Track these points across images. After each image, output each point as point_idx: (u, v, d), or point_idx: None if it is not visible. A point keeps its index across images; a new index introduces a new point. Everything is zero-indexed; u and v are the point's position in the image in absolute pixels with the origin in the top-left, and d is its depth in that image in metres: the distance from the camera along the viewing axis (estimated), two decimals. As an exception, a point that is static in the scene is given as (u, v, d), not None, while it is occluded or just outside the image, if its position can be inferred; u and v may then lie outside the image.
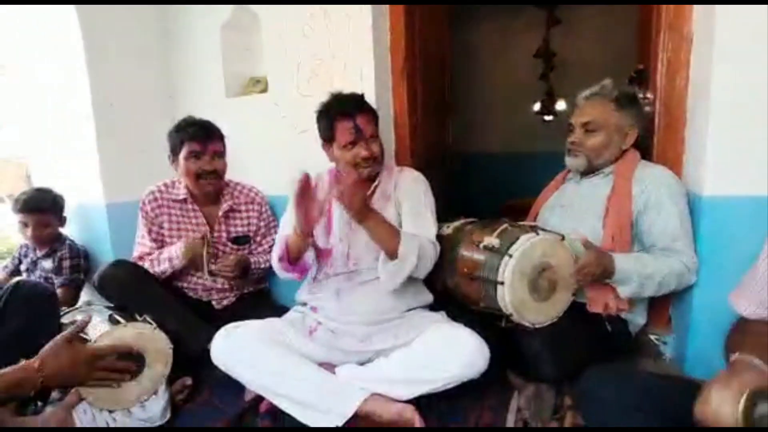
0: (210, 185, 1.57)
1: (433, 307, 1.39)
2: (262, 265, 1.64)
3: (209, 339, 1.25)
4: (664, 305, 1.38)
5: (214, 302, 1.63)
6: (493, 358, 1.14)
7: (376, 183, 1.38)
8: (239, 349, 1.19)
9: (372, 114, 1.35)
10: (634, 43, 1.94)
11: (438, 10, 2.10)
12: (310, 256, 1.36)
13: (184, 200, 1.61)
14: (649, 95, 1.44)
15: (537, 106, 3.73)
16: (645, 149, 1.38)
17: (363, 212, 1.19)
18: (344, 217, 1.33)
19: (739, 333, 0.80)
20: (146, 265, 1.54)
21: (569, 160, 1.37)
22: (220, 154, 1.58)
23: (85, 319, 0.99)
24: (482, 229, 1.26)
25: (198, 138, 1.51)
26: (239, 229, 1.67)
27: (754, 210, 1.14)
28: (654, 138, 1.40)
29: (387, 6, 1.67)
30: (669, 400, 0.78)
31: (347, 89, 1.38)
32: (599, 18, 3.32)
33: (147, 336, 1.12)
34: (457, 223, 1.41)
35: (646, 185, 1.22)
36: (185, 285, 1.61)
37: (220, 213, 1.62)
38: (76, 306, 1.63)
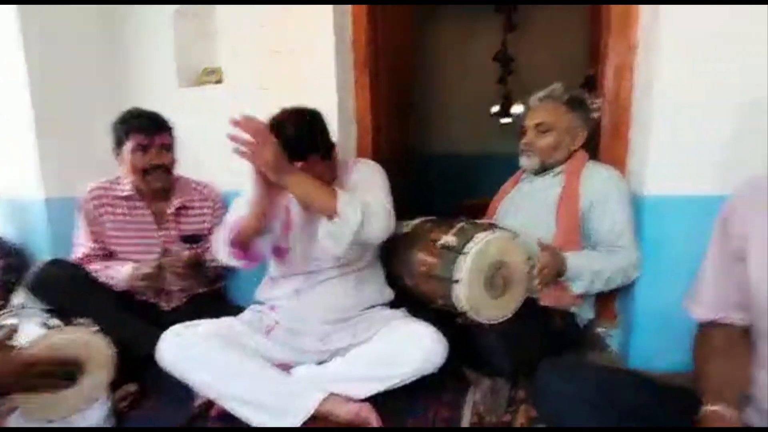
0: (158, 181, 1.47)
1: (394, 305, 1.39)
2: (216, 264, 1.56)
3: (156, 343, 1.18)
4: (610, 300, 1.45)
5: (162, 304, 1.53)
6: (450, 354, 1.16)
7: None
8: (189, 350, 1.13)
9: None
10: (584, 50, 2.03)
11: (401, 8, 2.10)
12: (264, 244, 1.26)
13: (130, 197, 1.50)
14: (598, 99, 1.50)
15: (495, 109, 3.82)
16: (593, 150, 1.44)
17: (279, 166, 1.03)
18: (304, 214, 1.29)
19: (702, 346, 0.81)
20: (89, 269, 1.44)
21: (523, 160, 1.43)
22: (168, 147, 1.49)
23: (12, 326, 0.91)
24: (440, 227, 1.27)
25: (144, 130, 1.42)
26: (191, 227, 1.58)
27: (693, 209, 1.21)
28: (601, 139, 1.46)
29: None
30: (616, 392, 0.81)
31: (307, 84, 1.34)
32: (555, 24, 3.45)
33: (86, 341, 1.05)
34: (415, 222, 1.42)
35: (593, 184, 1.28)
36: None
37: (170, 210, 1.53)
38: (8, 309, 1.50)
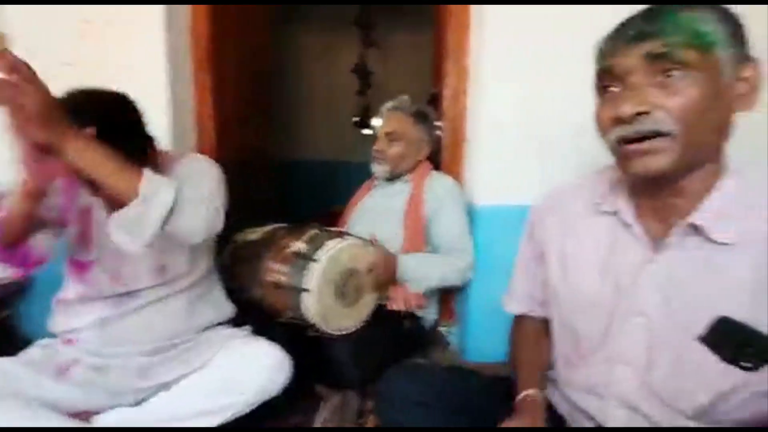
0: None
1: (237, 322, 1.23)
2: None
3: None
4: (450, 300, 1.58)
5: None
6: (302, 371, 1.08)
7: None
8: None
9: None
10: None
11: (254, 12, 1.96)
12: (45, 243, 0.95)
13: None
14: (439, 122, 1.65)
15: (355, 120, 3.94)
16: (436, 163, 1.56)
17: (51, 119, 0.71)
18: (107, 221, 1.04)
19: (516, 336, 0.89)
20: None
21: (375, 167, 1.47)
22: None
23: None
24: (291, 234, 1.19)
25: None
26: None
27: (515, 217, 1.39)
28: (442, 154, 1.60)
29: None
30: (448, 390, 0.84)
31: (128, 67, 1.10)
32: (408, 44, 3.75)
33: None
34: (266, 229, 1.31)
35: (436, 193, 1.39)
36: None
37: None
38: None
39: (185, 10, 1.46)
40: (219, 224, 0.99)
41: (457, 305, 1.60)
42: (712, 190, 0.59)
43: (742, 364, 0.55)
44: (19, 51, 1.36)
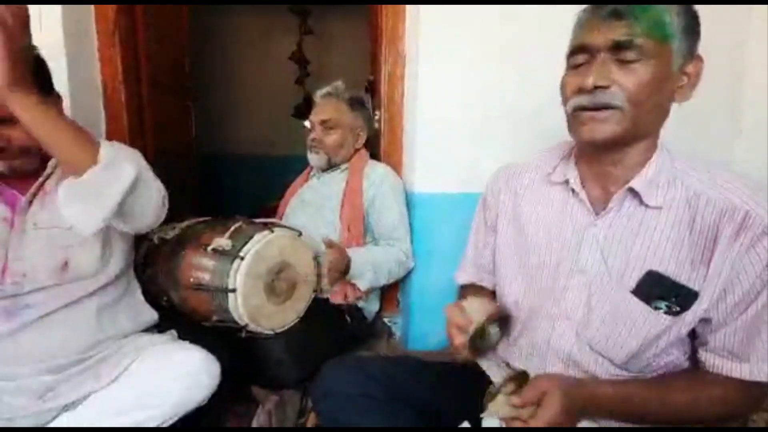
0: None
1: (161, 328, 1.11)
2: None
3: None
4: (393, 290, 1.56)
5: None
6: (235, 375, 1.00)
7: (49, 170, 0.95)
8: None
9: None
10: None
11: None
12: None
13: None
14: (378, 111, 1.61)
15: (293, 110, 3.79)
16: (373, 151, 1.52)
17: (25, 70, 0.68)
18: (2, 212, 0.89)
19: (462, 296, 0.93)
20: None
21: (311, 157, 1.41)
22: None
23: None
24: (212, 229, 1.09)
25: None
26: None
27: (450, 204, 1.39)
28: (380, 141, 1.56)
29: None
30: (390, 379, 0.82)
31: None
32: (345, 31, 3.67)
33: None
34: (185, 224, 1.19)
35: (373, 182, 1.35)
36: None
37: None
38: None
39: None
40: (164, 214, 0.92)
41: (400, 294, 1.59)
42: (646, 162, 0.67)
43: (667, 310, 0.64)
44: None
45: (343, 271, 1.20)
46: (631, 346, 0.66)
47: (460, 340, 0.69)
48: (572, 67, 0.67)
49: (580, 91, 0.64)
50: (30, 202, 0.91)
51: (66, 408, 0.90)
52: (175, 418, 0.92)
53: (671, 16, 0.61)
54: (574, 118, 0.66)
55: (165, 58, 1.75)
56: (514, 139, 1.37)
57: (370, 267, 1.25)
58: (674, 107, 0.67)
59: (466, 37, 1.33)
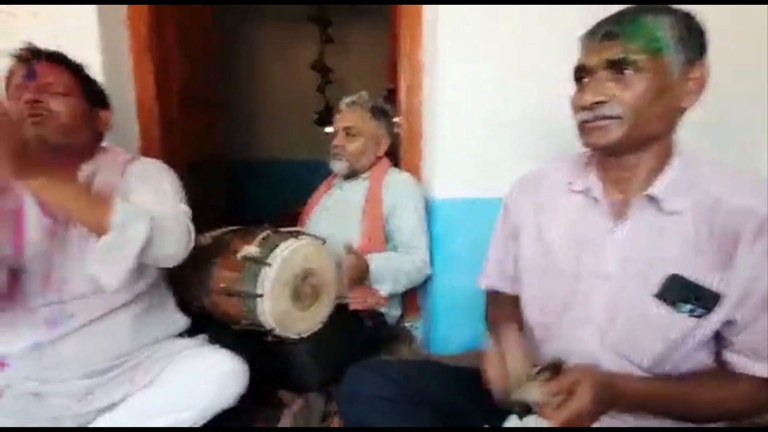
0: None
1: (191, 333, 1.17)
2: None
3: None
4: (414, 294, 1.58)
5: None
6: (263, 378, 1.04)
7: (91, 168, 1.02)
8: None
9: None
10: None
11: (198, 8, 1.87)
12: None
13: None
14: (398, 116, 1.63)
15: (315, 117, 3.87)
16: (395, 158, 1.55)
17: (26, 157, 0.72)
18: (42, 222, 0.96)
19: (491, 306, 0.96)
20: None
21: (334, 164, 1.44)
22: None
23: None
24: (243, 237, 1.14)
25: None
26: None
27: (469, 210, 1.41)
28: (400, 149, 1.59)
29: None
30: (410, 383, 0.84)
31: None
32: (365, 40, 3.72)
33: None
34: (217, 233, 1.25)
35: (393, 190, 1.37)
36: None
37: None
38: None
39: (121, 7, 1.38)
40: (192, 241, 0.96)
41: (421, 299, 1.60)
42: (663, 168, 0.69)
43: (691, 313, 0.65)
44: None
45: (361, 276, 1.22)
46: (656, 349, 0.67)
47: (499, 392, 0.69)
48: (578, 85, 0.73)
49: (583, 107, 0.69)
50: None
51: (104, 410, 0.96)
52: (206, 420, 0.96)
53: (663, 29, 0.64)
54: (581, 129, 0.72)
55: (194, 73, 1.84)
56: (533, 146, 1.38)
57: (389, 273, 1.27)
58: (704, 113, 0.69)
59: (484, 44, 1.35)
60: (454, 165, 1.40)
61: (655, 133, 0.68)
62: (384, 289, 1.27)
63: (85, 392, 0.96)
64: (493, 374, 0.70)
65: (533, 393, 0.63)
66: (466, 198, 1.41)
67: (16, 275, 0.93)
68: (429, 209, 1.43)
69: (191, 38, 1.79)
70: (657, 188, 0.68)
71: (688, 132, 0.73)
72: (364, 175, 1.43)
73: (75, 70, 0.99)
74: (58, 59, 0.97)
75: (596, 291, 0.71)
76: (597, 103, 0.67)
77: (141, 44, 1.41)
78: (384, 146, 1.46)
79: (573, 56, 0.73)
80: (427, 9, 1.43)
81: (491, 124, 1.38)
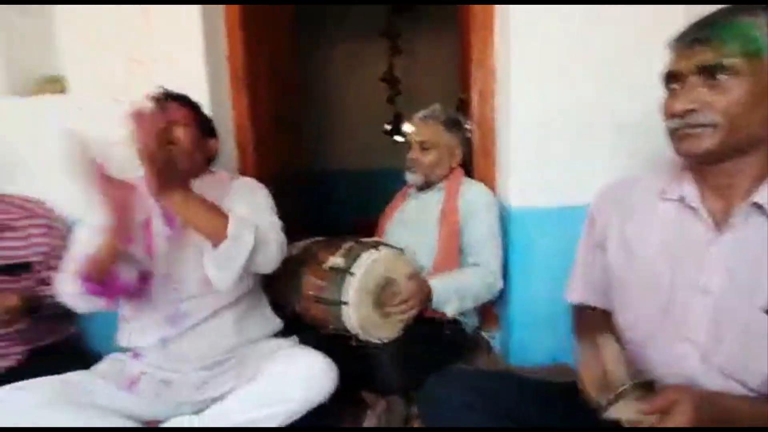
0: None
1: (284, 334, 1.29)
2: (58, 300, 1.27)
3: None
4: (491, 305, 1.56)
5: None
6: (347, 379, 1.11)
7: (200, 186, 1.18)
8: (16, 422, 0.89)
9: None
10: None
11: (282, 21, 2.06)
12: (128, 273, 1.04)
13: None
14: (469, 122, 1.65)
15: (386, 127, 3.98)
16: (468, 168, 1.56)
17: (171, 179, 0.90)
18: (164, 231, 1.13)
19: (580, 320, 0.94)
20: None
21: (408, 176, 1.48)
22: None
23: None
24: (327, 248, 1.23)
25: None
26: (13, 253, 1.26)
27: (548, 218, 1.37)
28: (473, 158, 1.59)
29: (221, 8, 1.55)
30: (494, 394, 0.85)
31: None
32: (435, 50, 3.75)
33: None
34: (304, 243, 1.37)
35: (468, 200, 1.38)
36: None
37: None
38: None
39: (222, 42, 1.57)
40: (284, 251, 1.10)
41: (498, 309, 1.59)
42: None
43: None
44: (75, 89, 1.53)
45: (425, 299, 1.22)
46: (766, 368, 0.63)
47: (595, 399, 0.67)
48: (668, 91, 0.70)
49: (674, 115, 0.67)
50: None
51: (216, 399, 1.10)
52: (299, 415, 1.05)
53: (761, 29, 0.61)
54: (672, 137, 0.69)
55: (281, 96, 2.01)
56: (616, 152, 1.32)
57: (454, 293, 1.25)
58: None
59: (559, 47, 1.32)
60: (530, 173, 1.37)
61: (756, 138, 0.65)
62: (449, 310, 1.26)
63: (201, 382, 1.12)
64: (589, 386, 0.68)
65: (626, 411, 0.62)
66: (545, 206, 1.38)
67: (146, 277, 1.10)
68: (504, 218, 1.42)
69: (278, 65, 1.96)
70: (763, 195, 0.64)
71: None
72: (439, 186, 1.46)
73: (193, 106, 1.18)
74: (181, 98, 1.17)
75: (695, 305, 0.68)
76: (689, 110, 0.65)
77: (237, 72, 1.59)
78: (458, 157, 1.48)
79: (660, 58, 0.71)
80: (499, 10, 1.42)
81: (571, 130, 1.34)
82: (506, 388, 0.88)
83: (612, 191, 0.86)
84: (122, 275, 1.02)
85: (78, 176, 0.86)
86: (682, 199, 0.73)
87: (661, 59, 0.71)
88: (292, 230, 1.34)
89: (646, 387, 0.63)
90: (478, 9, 1.48)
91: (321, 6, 3.48)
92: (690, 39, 0.65)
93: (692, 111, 0.64)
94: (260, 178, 1.38)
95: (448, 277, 1.29)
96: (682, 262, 0.70)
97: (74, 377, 1.03)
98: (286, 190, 2.04)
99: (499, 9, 1.42)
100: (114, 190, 0.90)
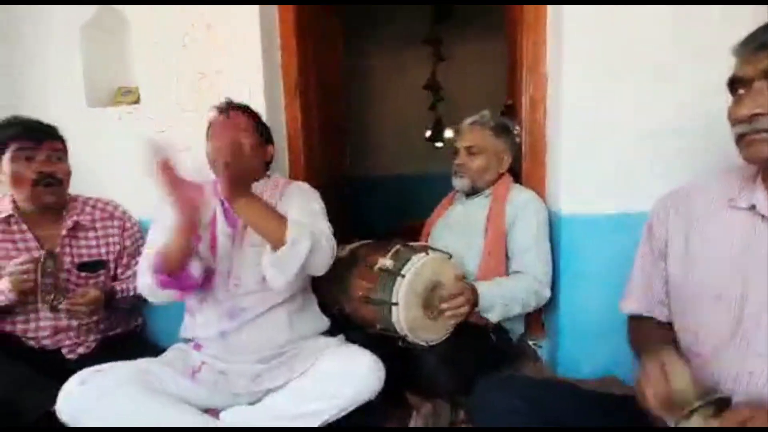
0: (50, 194, 1.26)
1: (331, 333, 1.34)
2: (132, 293, 1.38)
3: (53, 400, 1.00)
4: (537, 313, 1.53)
5: (65, 350, 1.30)
6: (393, 379, 1.13)
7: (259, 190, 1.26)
8: (98, 400, 0.98)
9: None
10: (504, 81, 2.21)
11: (331, 32, 2.14)
12: (196, 267, 1.12)
13: (8, 219, 1.27)
14: (517, 126, 1.64)
15: (428, 134, 4.01)
16: (516, 174, 1.55)
17: (241, 183, 1.02)
18: (226, 230, 1.21)
19: (636, 332, 0.91)
20: None
21: (455, 181, 1.49)
22: (60, 156, 1.30)
23: None
24: (376, 250, 1.26)
25: (29, 135, 1.23)
26: (92, 251, 1.38)
27: (600, 226, 1.34)
28: (522, 164, 1.58)
29: (277, 23, 1.64)
30: (543, 401, 0.84)
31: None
32: (478, 57, 3.75)
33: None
34: (351, 246, 1.41)
35: (516, 206, 1.37)
36: (21, 330, 1.26)
37: (64, 232, 1.32)
38: None
39: (277, 54, 1.66)
40: (335, 255, 1.16)
41: (545, 318, 1.56)
42: None
43: None
44: (147, 100, 1.67)
45: (473, 302, 1.21)
46: None
47: (657, 410, 0.65)
48: (734, 95, 0.70)
49: (740, 120, 0.66)
50: (246, 226, 1.20)
51: (270, 391, 1.16)
52: (346, 412, 1.09)
53: None
54: (739, 142, 0.68)
55: (329, 105, 2.09)
56: (675, 158, 1.27)
57: (499, 299, 1.24)
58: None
59: (614, 51, 1.29)
60: (581, 180, 1.34)
61: None
62: (493, 316, 1.24)
63: (256, 375, 1.18)
64: (653, 403, 0.66)
65: (699, 428, 0.60)
66: (597, 213, 1.34)
67: (209, 273, 1.19)
68: (554, 225, 1.39)
69: (325, 74, 2.04)
70: None
71: None
72: (487, 192, 1.45)
73: (254, 115, 1.26)
74: (243, 108, 1.25)
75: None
76: (755, 115, 0.64)
77: (291, 84, 1.68)
78: (506, 163, 1.47)
79: (721, 60, 0.69)
80: (551, 10, 1.41)
81: (627, 136, 1.30)
82: (558, 396, 0.87)
83: (674, 198, 0.84)
84: (191, 270, 1.10)
85: (154, 178, 0.95)
86: (752, 208, 0.70)
87: (725, 61, 0.70)
88: (335, 233, 1.39)
89: (720, 404, 0.61)
90: (529, 9, 1.46)
91: (366, 15, 3.56)
92: (756, 44, 0.65)
93: (758, 116, 0.64)
94: (308, 183, 1.45)
95: (493, 283, 1.28)
96: (754, 274, 0.68)
97: (145, 364, 1.12)
98: (331, 195, 2.11)
99: (551, 9, 1.40)
100: (185, 191, 0.99)
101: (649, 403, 0.66)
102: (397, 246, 1.24)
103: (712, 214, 0.76)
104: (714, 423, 0.59)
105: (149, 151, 0.94)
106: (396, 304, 1.10)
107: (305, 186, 1.35)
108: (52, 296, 1.18)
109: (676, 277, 0.79)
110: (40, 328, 1.28)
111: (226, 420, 1.08)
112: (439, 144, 4.00)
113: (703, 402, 0.61)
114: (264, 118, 1.43)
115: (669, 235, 0.81)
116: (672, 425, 0.62)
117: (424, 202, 1.81)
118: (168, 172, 0.95)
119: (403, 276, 1.11)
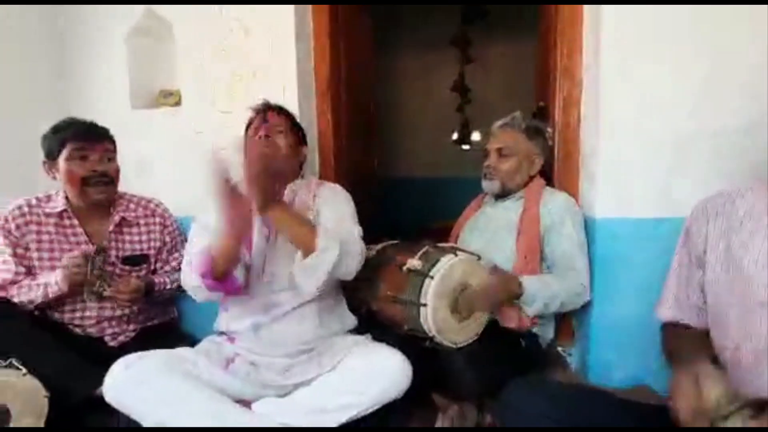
0: (100, 192, 1.35)
1: (358, 332, 1.35)
2: (169, 286, 1.46)
3: (97, 383, 1.07)
4: (568, 319, 1.51)
5: (107, 338, 1.39)
6: (419, 380, 1.14)
7: (293, 190, 1.31)
8: (140, 384, 1.03)
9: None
10: (534, 82, 2.17)
11: (362, 34, 2.17)
12: (241, 272, 1.17)
13: (61, 214, 1.36)
14: (550, 129, 1.61)
15: (455, 136, 3.99)
16: (548, 177, 1.52)
17: (270, 195, 1.07)
18: (262, 230, 1.25)
19: (671, 340, 0.89)
20: (12, 294, 1.28)
21: (485, 184, 1.47)
22: (111, 156, 1.39)
23: None
24: (404, 251, 1.27)
25: (83, 136, 1.32)
26: (135, 246, 1.46)
27: (639, 230, 1.30)
28: (554, 166, 1.55)
29: (311, 26, 1.68)
30: (574, 407, 0.83)
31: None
32: (506, 59, 3.71)
33: (12, 384, 0.94)
34: (380, 246, 1.42)
35: (550, 210, 1.35)
36: (68, 318, 1.35)
37: (111, 227, 1.41)
38: None
39: (310, 57, 1.70)
40: (364, 258, 1.19)
41: (576, 324, 1.52)
42: None
43: None
44: (188, 101, 1.74)
45: (510, 297, 1.22)
46: None
47: (690, 424, 0.63)
48: None
49: None
50: None
51: (299, 385, 1.18)
52: (372, 409, 1.10)
53: None
54: None
55: (359, 108, 2.12)
56: (714, 162, 1.23)
57: (541, 295, 1.23)
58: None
59: (654, 53, 1.26)
60: (619, 183, 1.31)
61: None
62: (531, 310, 1.24)
63: (286, 368, 1.21)
64: (686, 416, 0.64)
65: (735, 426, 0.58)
66: (633, 218, 1.31)
67: (248, 270, 1.22)
68: (588, 230, 1.37)
69: (355, 76, 2.07)
70: None
71: None
72: (518, 195, 1.43)
73: (290, 116, 1.30)
74: (280, 109, 1.29)
75: None
76: None
77: (323, 88, 1.71)
78: (538, 165, 1.45)
79: (762, 66, 0.67)
80: (587, 11, 1.38)
81: (665, 139, 1.27)
82: (589, 403, 0.85)
83: (712, 204, 0.81)
84: (237, 275, 1.15)
85: (213, 190, 0.99)
86: None
87: (766, 67, 0.67)
88: (366, 234, 1.41)
89: (760, 406, 0.59)
90: (564, 9, 1.44)
91: (395, 16, 3.59)
92: None
93: None
94: (338, 183, 1.48)
95: (536, 278, 1.28)
96: None
97: (182, 352, 1.17)
98: (360, 195, 2.13)
99: (588, 9, 1.38)
100: (241, 206, 1.04)
101: (681, 416, 0.65)
102: (426, 247, 1.24)
103: (753, 220, 0.74)
104: (753, 423, 0.57)
105: (213, 167, 0.98)
106: (425, 305, 1.11)
107: (338, 188, 1.39)
108: (98, 284, 1.27)
109: (716, 285, 0.77)
110: (85, 317, 1.37)
111: (258, 410, 1.11)
112: (466, 146, 3.97)
113: (741, 404, 0.59)
114: (297, 119, 1.48)
115: (708, 242, 0.79)
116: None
117: (451, 203, 1.81)
118: (227, 189, 0.99)
119: (432, 277, 1.11)
